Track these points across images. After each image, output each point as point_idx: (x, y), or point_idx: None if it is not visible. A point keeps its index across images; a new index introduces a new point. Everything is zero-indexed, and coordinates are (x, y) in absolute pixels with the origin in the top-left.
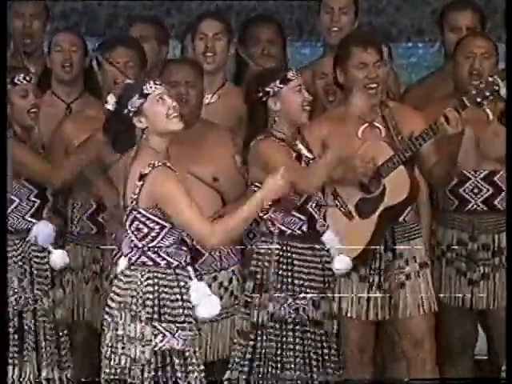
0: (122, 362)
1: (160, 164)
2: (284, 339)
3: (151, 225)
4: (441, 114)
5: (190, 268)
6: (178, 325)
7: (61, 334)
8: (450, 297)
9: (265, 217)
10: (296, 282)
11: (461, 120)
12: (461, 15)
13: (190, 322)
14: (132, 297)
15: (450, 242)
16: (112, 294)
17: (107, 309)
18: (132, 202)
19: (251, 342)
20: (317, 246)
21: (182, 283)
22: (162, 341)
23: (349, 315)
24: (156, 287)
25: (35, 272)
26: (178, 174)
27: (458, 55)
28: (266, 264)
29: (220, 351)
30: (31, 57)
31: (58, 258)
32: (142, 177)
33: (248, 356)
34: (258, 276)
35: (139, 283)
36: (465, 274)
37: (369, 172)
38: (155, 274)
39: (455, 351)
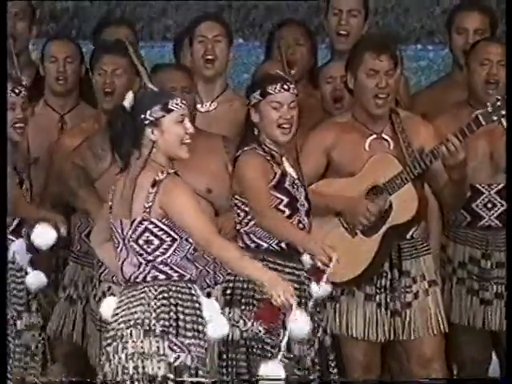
0: (135, 380)
1: (173, 171)
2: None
3: (163, 236)
4: (452, 123)
5: (195, 285)
6: (191, 341)
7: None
8: (460, 317)
9: (241, 230)
10: None
11: (462, 148)
12: (467, 16)
13: (202, 339)
14: (144, 312)
15: (462, 260)
16: (117, 315)
17: (112, 330)
18: (144, 212)
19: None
20: (295, 265)
21: (195, 298)
22: (178, 356)
23: (354, 335)
24: (171, 300)
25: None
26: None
27: (472, 62)
28: (241, 278)
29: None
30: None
31: (34, 279)
32: (155, 183)
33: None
34: (228, 291)
35: (153, 298)
36: (477, 294)
37: (366, 224)
38: (169, 287)
39: (467, 374)
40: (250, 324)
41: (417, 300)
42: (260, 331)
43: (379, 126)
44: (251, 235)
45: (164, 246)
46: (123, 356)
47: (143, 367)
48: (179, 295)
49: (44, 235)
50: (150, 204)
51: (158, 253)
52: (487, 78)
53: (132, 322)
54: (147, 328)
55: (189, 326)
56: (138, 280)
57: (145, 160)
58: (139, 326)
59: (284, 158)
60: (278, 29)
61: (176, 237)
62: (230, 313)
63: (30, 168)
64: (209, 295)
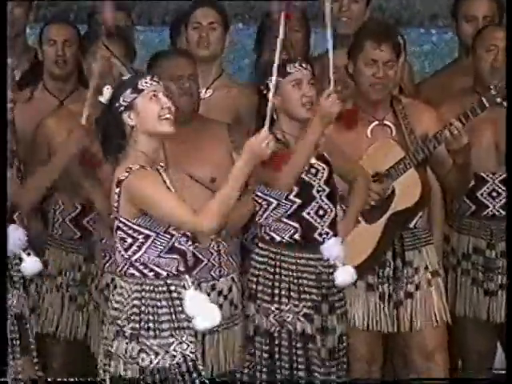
0: (106, 378)
1: (137, 167)
2: (270, 354)
3: (135, 234)
4: (458, 110)
5: (186, 276)
6: (169, 340)
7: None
8: (465, 309)
9: (259, 222)
10: (283, 292)
11: (465, 132)
12: (477, 3)
13: (188, 335)
14: (118, 310)
15: (466, 250)
16: (108, 306)
17: (104, 320)
18: (114, 210)
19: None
20: (311, 256)
21: (174, 294)
22: (154, 358)
23: (356, 325)
24: (143, 301)
25: None
26: (158, 175)
27: (477, 48)
28: (256, 272)
29: (221, 365)
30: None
31: (30, 265)
32: (119, 183)
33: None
34: (249, 285)
35: (127, 296)
36: (481, 284)
37: (372, 203)
38: (143, 287)
39: (472, 366)
40: (264, 319)
41: (419, 291)
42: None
43: (381, 112)
44: (266, 228)
45: (137, 244)
46: (102, 352)
47: (110, 365)
48: (153, 294)
49: (31, 266)
50: (116, 204)
51: (132, 250)
52: (493, 65)
53: (110, 320)
54: (118, 328)
55: (165, 325)
56: (122, 271)
57: (125, 151)
58: (113, 325)
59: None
60: (272, 14)
61: (150, 233)
62: (245, 307)
63: (17, 149)
64: (213, 287)
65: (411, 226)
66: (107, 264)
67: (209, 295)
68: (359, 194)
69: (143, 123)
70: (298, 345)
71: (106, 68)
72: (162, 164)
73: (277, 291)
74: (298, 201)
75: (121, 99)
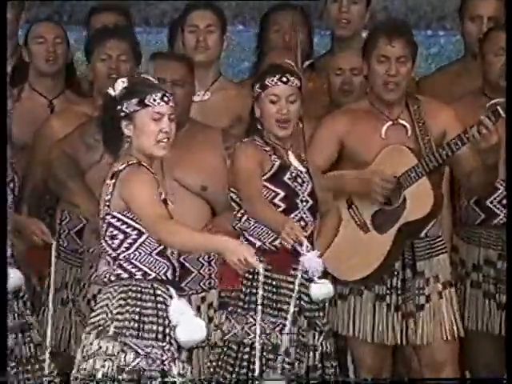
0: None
1: (135, 161)
2: (238, 362)
3: (127, 230)
4: (469, 113)
5: (170, 287)
6: (149, 342)
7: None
8: (476, 322)
9: (237, 227)
10: (259, 301)
11: (496, 129)
12: (483, 3)
13: (167, 342)
14: (102, 314)
15: (477, 261)
16: (88, 316)
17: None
18: (105, 206)
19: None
20: (292, 266)
21: (159, 298)
22: (133, 358)
23: (362, 337)
24: (129, 300)
25: None
26: (154, 176)
27: (486, 53)
28: None
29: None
30: None
31: (12, 278)
32: (114, 175)
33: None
34: (223, 293)
35: (111, 298)
36: (494, 297)
37: (385, 194)
38: (130, 287)
39: (482, 380)
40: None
41: (429, 303)
42: (238, 333)
43: (395, 112)
44: (245, 232)
45: (128, 241)
46: (80, 357)
47: (85, 368)
48: (138, 295)
49: (12, 279)
50: (109, 197)
51: (122, 248)
52: (502, 69)
53: (91, 326)
54: (101, 329)
55: (147, 327)
56: (105, 280)
57: (120, 154)
58: (96, 329)
59: (290, 152)
60: (271, 13)
61: (143, 230)
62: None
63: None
64: (203, 299)
65: (422, 234)
66: (94, 275)
67: (199, 307)
68: (329, 231)
69: (137, 140)
70: (270, 356)
71: (112, 69)
72: (157, 175)
73: (255, 300)
74: (283, 206)
75: (124, 105)
